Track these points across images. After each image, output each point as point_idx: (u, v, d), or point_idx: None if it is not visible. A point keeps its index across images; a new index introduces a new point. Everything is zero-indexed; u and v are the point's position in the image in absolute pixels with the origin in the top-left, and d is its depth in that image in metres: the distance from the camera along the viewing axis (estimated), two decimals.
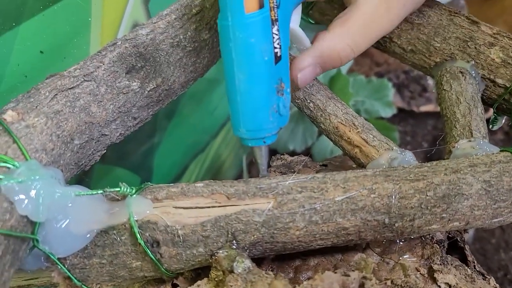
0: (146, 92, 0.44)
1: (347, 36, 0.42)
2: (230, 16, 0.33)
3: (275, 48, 0.35)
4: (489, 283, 0.41)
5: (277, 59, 0.36)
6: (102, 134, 0.41)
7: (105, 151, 0.42)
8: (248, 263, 0.34)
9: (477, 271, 0.43)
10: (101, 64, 0.41)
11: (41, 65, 0.48)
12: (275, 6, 0.35)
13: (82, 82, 0.39)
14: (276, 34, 0.35)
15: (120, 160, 0.69)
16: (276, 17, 0.35)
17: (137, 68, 0.43)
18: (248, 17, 0.33)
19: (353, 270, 0.35)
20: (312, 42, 0.43)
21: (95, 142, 0.40)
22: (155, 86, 0.44)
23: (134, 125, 0.45)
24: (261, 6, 0.33)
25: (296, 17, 0.42)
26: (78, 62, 0.41)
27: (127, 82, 0.42)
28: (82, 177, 0.58)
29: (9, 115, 0.34)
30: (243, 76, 0.35)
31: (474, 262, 0.44)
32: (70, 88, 0.38)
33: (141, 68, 0.43)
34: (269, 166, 0.52)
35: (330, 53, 0.42)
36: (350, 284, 0.31)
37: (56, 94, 0.37)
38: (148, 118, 0.46)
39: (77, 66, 0.41)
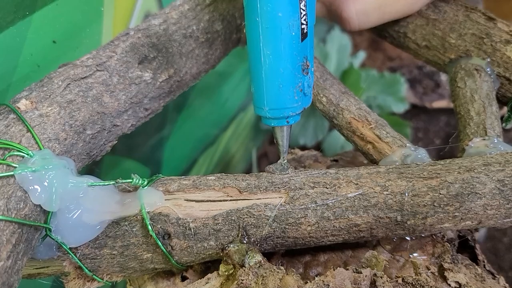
0: (158, 83, 0.43)
1: (360, 3, 0.42)
2: None
3: (302, 24, 0.34)
4: (498, 283, 0.41)
5: (304, 36, 0.35)
6: (114, 125, 0.41)
7: (116, 141, 0.42)
8: (259, 257, 0.34)
9: (487, 270, 0.43)
10: (114, 54, 0.41)
11: (53, 55, 0.48)
12: None
13: (94, 71, 0.39)
14: (304, 10, 0.34)
15: (129, 152, 0.69)
16: None
17: (149, 59, 0.43)
18: None
19: (364, 267, 0.34)
20: None
21: (107, 133, 0.40)
22: (167, 77, 0.44)
23: (146, 116, 0.44)
24: None
25: None
26: (91, 52, 0.41)
27: (139, 73, 0.42)
28: (92, 168, 0.58)
29: (23, 104, 0.34)
30: (269, 52, 0.34)
31: (484, 261, 0.44)
32: (82, 78, 0.38)
33: (154, 58, 0.43)
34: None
35: (337, 7, 0.43)
36: (361, 281, 0.31)
37: (69, 84, 0.37)
38: (159, 109, 0.46)
39: (90, 56, 0.40)
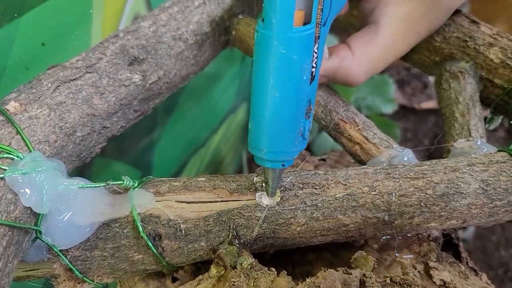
0: (148, 84, 0.44)
1: (366, 63, 0.44)
2: (275, 26, 0.29)
3: (313, 67, 0.32)
4: (481, 279, 0.42)
5: (312, 79, 0.33)
6: (104, 127, 0.41)
7: (106, 143, 0.42)
8: (251, 259, 0.34)
9: (470, 267, 0.44)
10: (103, 56, 0.41)
11: (42, 57, 0.47)
12: (321, 23, 0.31)
13: (84, 73, 0.39)
14: (316, 53, 0.32)
15: (120, 154, 0.69)
16: (319, 34, 0.32)
17: (139, 61, 0.43)
18: (296, 31, 0.29)
19: (353, 267, 0.35)
20: (329, 50, 0.44)
21: (96, 135, 0.40)
22: (157, 79, 0.44)
23: (135, 117, 0.45)
24: (307, 21, 0.30)
25: None
26: (80, 53, 0.41)
27: (129, 75, 0.42)
28: (83, 170, 0.58)
29: (12, 106, 0.34)
30: (278, 94, 0.31)
31: (467, 259, 0.45)
32: (72, 80, 0.38)
33: (143, 60, 0.43)
34: None
35: (343, 75, 0.44)
36: (351, 281, 0.32)
37: (58, 86, 0.37)
38: (149, 111, 0.46)
39: (79, 58, 0.40)
